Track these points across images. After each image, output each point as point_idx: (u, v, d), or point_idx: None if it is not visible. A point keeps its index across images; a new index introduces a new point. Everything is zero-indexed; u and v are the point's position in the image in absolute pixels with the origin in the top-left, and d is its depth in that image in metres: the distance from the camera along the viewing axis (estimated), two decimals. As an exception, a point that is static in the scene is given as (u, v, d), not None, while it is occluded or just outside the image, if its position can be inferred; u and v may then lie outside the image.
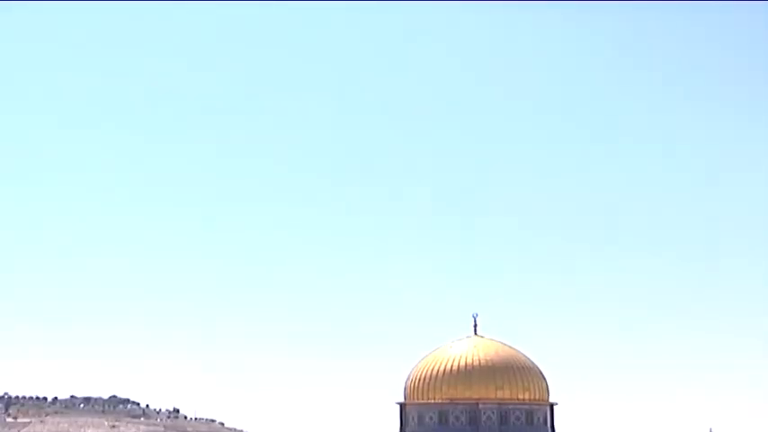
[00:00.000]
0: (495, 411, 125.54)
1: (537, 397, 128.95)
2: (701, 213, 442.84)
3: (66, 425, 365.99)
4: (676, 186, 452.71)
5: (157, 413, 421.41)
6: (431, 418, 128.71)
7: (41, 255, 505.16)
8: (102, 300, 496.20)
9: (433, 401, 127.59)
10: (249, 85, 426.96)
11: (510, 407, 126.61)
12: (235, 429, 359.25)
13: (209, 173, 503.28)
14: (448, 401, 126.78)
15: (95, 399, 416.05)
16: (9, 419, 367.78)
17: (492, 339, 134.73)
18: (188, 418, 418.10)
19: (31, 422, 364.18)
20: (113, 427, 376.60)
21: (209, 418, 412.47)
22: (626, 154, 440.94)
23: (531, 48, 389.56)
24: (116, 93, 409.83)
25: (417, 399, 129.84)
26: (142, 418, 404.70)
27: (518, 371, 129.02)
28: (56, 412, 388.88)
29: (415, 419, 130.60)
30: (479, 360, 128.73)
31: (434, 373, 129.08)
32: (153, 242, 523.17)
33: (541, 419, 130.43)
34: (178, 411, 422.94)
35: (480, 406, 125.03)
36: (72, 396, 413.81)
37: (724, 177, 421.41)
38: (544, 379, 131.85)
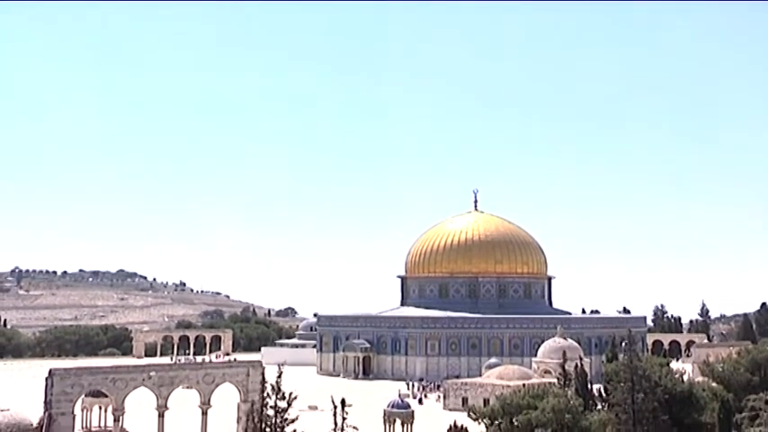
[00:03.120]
0: (494, 284, 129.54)
1: (535, 271, 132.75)
2: (700, 86, 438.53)
3: (76, 297, 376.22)
4: (677, 62, 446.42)
5: (164, 286, 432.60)
6: (431, 291, 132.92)
7: (49, 130, 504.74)
8: (110, 175, 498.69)
9: (433, 275, 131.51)
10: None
11: (509, 280, 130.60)
12: (240, 302, 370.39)
13: (214, 54, 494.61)
14: (448, 275, 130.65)
15: (104, 272, 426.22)
16: (21, 292, 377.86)
17: (492, 215, 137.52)
18: (194, 291, 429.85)
19: (42, 294, 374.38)
20: (122, 299, 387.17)
21: (215, 290, 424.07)
22: (626, 33, 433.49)
23: None
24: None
25: (418, 272, 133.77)
26: (150, 291, 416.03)
27: (517, 245, 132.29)
28: (66, 285, 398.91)
29: (416, 292, 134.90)
30: (479, 235, 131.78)
31: (435, 247, 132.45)
32: (161, 119, 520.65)
33: (539, 292, 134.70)
34: (184, 284, 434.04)
35: (480, 279, 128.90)
36: (81, 270, 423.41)
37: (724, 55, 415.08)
38: (542, 253, 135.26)
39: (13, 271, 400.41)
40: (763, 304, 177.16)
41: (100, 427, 65.58)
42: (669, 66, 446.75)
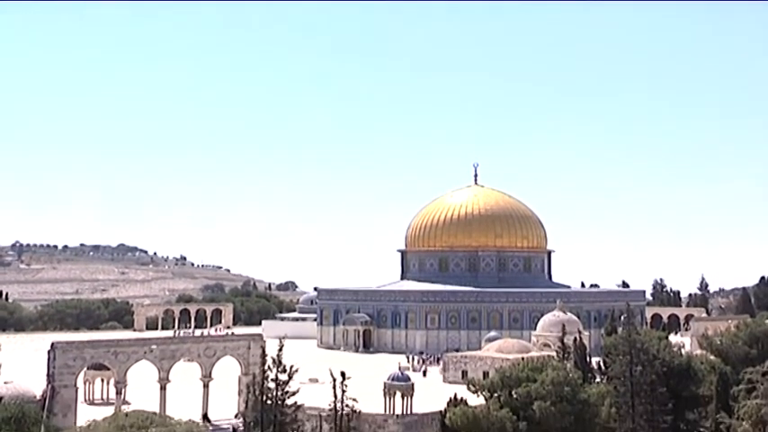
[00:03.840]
0: (493, 258, 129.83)
1: (535, 245, 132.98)
2: (701, 59, 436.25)
3: (77, 271, 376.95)
4: (678, 34, 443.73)
5: (165, 260, 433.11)
6: (431, 265, 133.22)
7: (48, 103, 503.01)
8: (110, 149, 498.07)
9: (433, 249, 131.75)
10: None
11: (508, 254, 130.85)
12: (240, 276, 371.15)
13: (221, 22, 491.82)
14: (448, 249, 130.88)
15: (104, 246, 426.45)
16: (22, 266, 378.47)
17: (492, 188, 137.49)
18: (195, 265, 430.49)
19: (43, 268, 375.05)
20: (123, 273, 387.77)
21: (216, 264, 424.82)
22: (626, 6, 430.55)
23: None
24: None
25: (418, 246, 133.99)
26: (150, 265, 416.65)
27: (517, 219, 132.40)
28: (66, 259, 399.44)
29: (416, 266, 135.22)
30: (479, 209, 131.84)
31: (435, 221, 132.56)
32: (160, 91, 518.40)
33: (539, 266, 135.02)
34: (185, 258, 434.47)
35: (480, 253, 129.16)
36: (81, 244, 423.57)
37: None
38: (542, 227, 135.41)
39: (13, 245, 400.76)
40: (762, 278, 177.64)
41: (102, 399, 66.15)
42: (670, 39, 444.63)
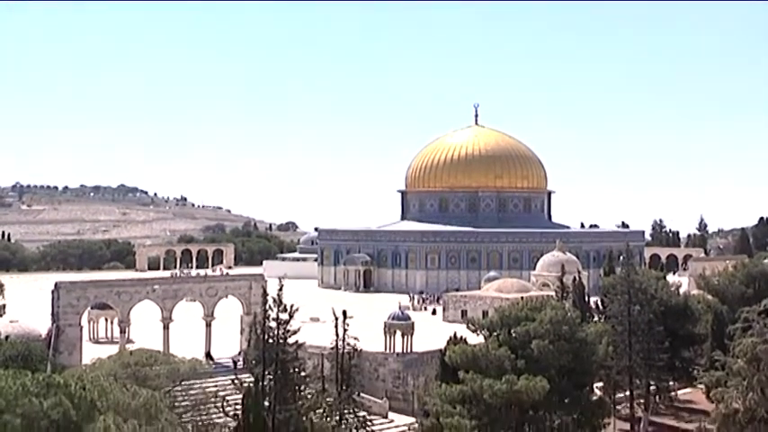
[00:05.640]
0: (493, 199, 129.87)
1: (535, 185, 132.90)
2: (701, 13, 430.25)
3: (78, 212, 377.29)
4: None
5: (165, 201, 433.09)
6: (431, 206, 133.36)
7: (50, 44, 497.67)
8: (110, 90, 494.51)
9: (433, 189, 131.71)
10: None
11: (508, 194, 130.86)
12: (241, 216, 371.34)
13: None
14: (448, 189, 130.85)
15: (105, 187, 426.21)
16: (24, 207, 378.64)
17: (492, 129, 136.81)
18: (195, 206, 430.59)
19: (44, 209, 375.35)
20: (124, 214, 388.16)
21: (216, 205, 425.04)
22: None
23: None
24: None
25: (418, 187, 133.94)
26: (151, 206, 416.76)
27: (517, 160, 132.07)
28: (67, 200, 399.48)
29: (416, 206, 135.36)
30: (479, 149, 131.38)
31: (435, 161, 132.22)
32: (162, 33, 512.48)
33: (539, 207, 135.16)
34: (185, 199, 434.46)
35: (480, 194, 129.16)
36: (82, 185, 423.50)
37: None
38: (542, 168, 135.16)
39: (14, 186, 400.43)
40: (761, 218, 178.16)
41: (107, 337, 67.02)
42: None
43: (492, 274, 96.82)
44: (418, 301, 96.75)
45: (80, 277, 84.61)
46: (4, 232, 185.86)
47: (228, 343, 59.55)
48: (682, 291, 64.83)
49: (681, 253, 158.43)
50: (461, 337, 46.48)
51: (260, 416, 33.68)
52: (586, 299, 63.58)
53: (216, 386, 50.40)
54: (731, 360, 34.62)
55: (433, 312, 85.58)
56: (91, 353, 52.30)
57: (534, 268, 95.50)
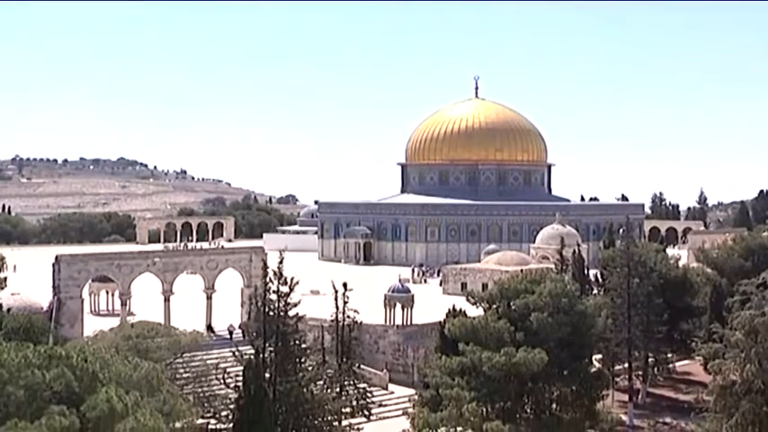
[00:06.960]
0: (493, 172, 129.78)
1: (535, 158, 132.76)
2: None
3: (78, 185, 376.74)
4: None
5: (165, 174, 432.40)
6: (431, 179, 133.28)
7: (50, 17, 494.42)
8: (110, 62, 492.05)
9: (433, 162, 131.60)
10: None
11: (508, 168, 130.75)
12: (241, 189, 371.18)
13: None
14: (448, 162, 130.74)
15: (104, 161, 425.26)
16: (23, 180, 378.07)
17: (493, 102, 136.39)
18: (195, 179, 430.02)
19: (44, 182, 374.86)
20: (124, 187, 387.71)
21: (216, 178, 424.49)
22: None
23: None
24: None
25: (418, 159, 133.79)
26: (151, 179, 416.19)
27: (517, 133, 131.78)
28: (67, 173, 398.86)
29: (416, 179, 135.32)
30: (480, 122, 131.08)
31: (435, 134, 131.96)
32: (164, 5, 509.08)
33: (539, 180, 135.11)
34: (185, 172, 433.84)
35: (480, 167, 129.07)
36: (81, 158, 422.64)
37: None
38: (542, 141, 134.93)
39: (13, 159, 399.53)
40: (761, 191, 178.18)
41: (108, 310, 67.29)
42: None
43: (492, 246, 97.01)
44: (418, 274, 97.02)
45: (81, 250, 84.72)
46: (4, 205, 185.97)
47: (229, 315, 59.81)
48: (681, 264, 65.07)
49: (680, 226, 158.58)
50: (461, 310, 46.66)
51: (261, 387, 33.94)
52: (586, 272, 63.79)
53: (217, 358, 50.64)
54: (729, 332, 34.73)
55: (441, 284, 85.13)
56: (92, 325, 52.54)
57: (534, 241, 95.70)
